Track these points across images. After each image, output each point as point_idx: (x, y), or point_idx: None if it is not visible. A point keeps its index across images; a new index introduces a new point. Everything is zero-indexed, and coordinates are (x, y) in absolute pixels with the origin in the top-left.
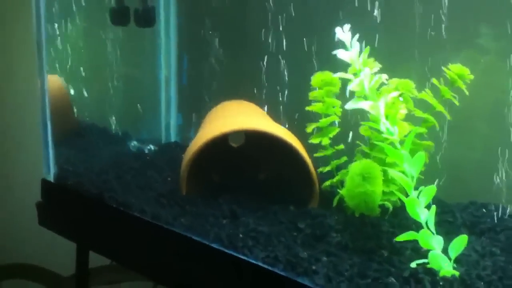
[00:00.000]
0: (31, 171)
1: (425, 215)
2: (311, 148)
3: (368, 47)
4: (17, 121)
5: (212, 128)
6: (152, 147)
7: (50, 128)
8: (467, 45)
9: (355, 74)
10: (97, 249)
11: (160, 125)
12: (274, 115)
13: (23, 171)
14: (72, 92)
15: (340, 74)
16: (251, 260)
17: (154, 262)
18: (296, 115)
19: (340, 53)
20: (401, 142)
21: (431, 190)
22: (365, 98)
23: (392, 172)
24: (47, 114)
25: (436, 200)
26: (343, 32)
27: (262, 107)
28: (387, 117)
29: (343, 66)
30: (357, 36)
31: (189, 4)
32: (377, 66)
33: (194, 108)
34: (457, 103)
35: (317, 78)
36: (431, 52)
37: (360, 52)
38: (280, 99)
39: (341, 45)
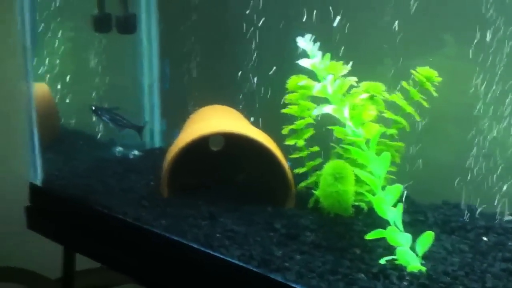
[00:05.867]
0: (19, 175)
1: (393, 213)
2: (287, 150)
3: (329, 54)
4: (4, 127)
5: (191, 132)
6: (136, 152)
7: (36, 134)
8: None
9: (320, 80)
10: (83, 251)
11: (145, 131)
12: (252, 118)
13: (11, 175)
14: (57, 98)
15: (305, 82)
16: (226, 258)
17: (138, 263)
18: (273, 117)
19: (302, 62)
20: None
21: (397, 188)
22: (330, 102)
23: (359, 172)
24: (34, 120)
25: (409, 201)
26: (304, 42)
27: (241, 111)
28: (352, 119)
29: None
30: (318, 44)
31: (170, 11)
32: (346, 69)
33: (178, 114)
34: (426, 104)
35: (292, 82)
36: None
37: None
38: (259, 102)
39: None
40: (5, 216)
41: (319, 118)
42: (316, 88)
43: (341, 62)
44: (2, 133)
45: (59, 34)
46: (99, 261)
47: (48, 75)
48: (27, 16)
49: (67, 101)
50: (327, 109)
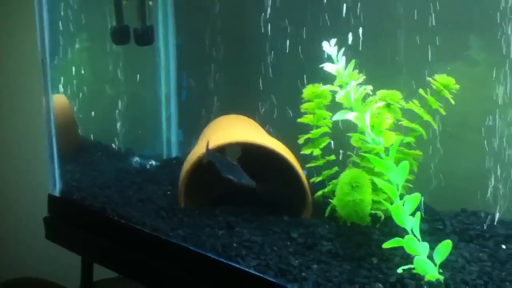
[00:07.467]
0: (38, 186)
1: (410, 222)
2: (304, 159)
3: (354, 60)
4: (24, 139)
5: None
6: (153, 162)
7: (55, 146)
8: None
9: (341, 87)
10: (100, 261)
11: (162, 142)
12: (268, 127)
13: (29, 186)
14: (76, 110)
15: (327, 87)
16: (243, 268)
17: (155, 273)
18: (289, 127)
19: (327, 67)
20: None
21: (415, 197)
22: (351, 109)
23: (378, 181)
24: (53, 132)
25: (427, 209)
26: (329, 46)
27: (257, 120)
28: (372, 128)
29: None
30: (343, 50)
31: (187, 23)
32: (361, 77)
33: (194, 124)
34: (443, 112)
35: (308, 91)
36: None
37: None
38: (275, 112)
39: (328, 58)
40: (24, 226)
41: (340, 126)
42: (340, 95)
43: (356, 70)
44: (22, 144)
45: (78, 46)
46: (117, 271)
47: (67, 87)
48: (45, 30)
49: (85, 112)
50: (349, 115)
